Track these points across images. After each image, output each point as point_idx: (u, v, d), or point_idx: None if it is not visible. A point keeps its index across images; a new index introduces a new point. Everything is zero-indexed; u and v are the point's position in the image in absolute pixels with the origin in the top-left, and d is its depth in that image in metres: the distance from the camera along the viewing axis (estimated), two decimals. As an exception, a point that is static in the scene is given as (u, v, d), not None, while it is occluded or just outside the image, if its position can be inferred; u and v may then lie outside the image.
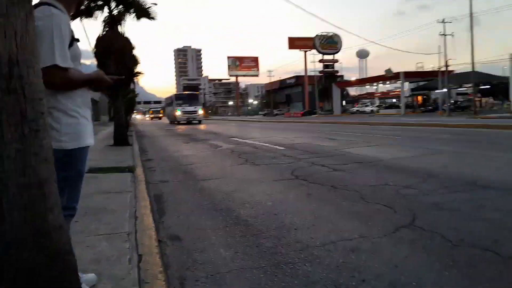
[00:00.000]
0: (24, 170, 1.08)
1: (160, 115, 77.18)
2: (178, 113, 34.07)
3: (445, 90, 35.85)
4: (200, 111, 35.30)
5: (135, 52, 17.64)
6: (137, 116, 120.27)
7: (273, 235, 3.30)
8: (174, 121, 35.75)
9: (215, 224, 3.71)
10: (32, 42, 1.12)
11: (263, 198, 4.63)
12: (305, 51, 71.39)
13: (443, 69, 35.98)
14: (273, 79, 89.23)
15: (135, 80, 28.80)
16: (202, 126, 29.04)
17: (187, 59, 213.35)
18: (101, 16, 12.66)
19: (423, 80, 48.93)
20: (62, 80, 1.79)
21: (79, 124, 1.92)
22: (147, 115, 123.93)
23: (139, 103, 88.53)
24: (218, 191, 5.16)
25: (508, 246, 2.84)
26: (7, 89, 1.05)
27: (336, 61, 69.56)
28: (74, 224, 3.47)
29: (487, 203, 3.99)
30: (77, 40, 1.94)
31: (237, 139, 14.20)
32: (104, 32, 12.56)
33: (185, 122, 34.16)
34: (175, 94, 39.19)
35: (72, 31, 1.89)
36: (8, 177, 1.05)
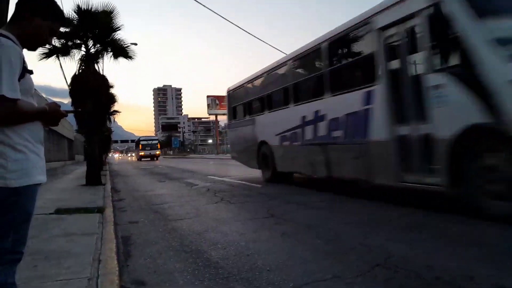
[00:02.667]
0: None
1: (158, 152, 54.16)
2: None
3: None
4: None
5: (112, 90, 17.64)
6: (114, 155, 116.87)
7: (244, 277, 3.15)
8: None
9: (184, 266, 3.52)
10: None
11: (236, 238, 4.48)
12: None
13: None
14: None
15: (112, 118, 28.60)
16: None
17: (167, 98, 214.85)
18: (78, 54, 12.63)
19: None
20: (10, 112, 1.68)
21: (28, 160, 1.79)
22: (130, 154, 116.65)
23: (115, 141, 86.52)
24: (190, 231, 4.98)
25: (485, 284, 2.78)
26: None
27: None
28: (33, 269, 3.27)
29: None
30: (30, 72, 1.86)
31: (214, 177, 14.03)
32: (80, 70, 12.48)
33: None
34: None
35: (24, 62, 1.81)
36: None
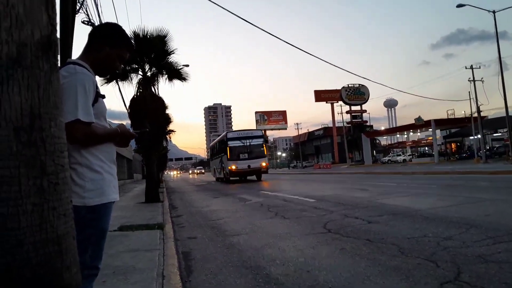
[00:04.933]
0: (41, 225, 1.05)
1: (264, 163, 24.81)
2: None
3: (479, 136, 34.83)
4: None
5: (168, 111, 18.42)
6: (170, 173, 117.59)
7: (306, 293, 3.09)
8: None
9: (245, 283, 3.53)
10: (55, 95, 1.13)
11: (295, 254, 4.43)
12: (332, 103, 72.18)
13: (475, 115, 35.19)
14: (301, 132, 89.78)
15: (168, 138, 29.71)
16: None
17: (217, 116, 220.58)
18: (135, 78, 13.36)
19: (455, 127, 47.94)
20: (85, 135, 1.80)
21: (104, 180, 1.90)
22: (190, 171, 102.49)
23: (171, 160, 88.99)
24: (248, 247, 4.99)
25: None
26: (27, 141, 1.04)
27: (364, 111, 69.68)
28: (102, 284, 3.43)
29: (540, 254, 3.64)
30: (103, 96, 1.99)
31: (267, 192, 14.04)
32: (138, 93, 13.16)
33: None
34: None
35: (97, 88, 1.94)
36: (24, 233, 1.01)
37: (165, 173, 71.77)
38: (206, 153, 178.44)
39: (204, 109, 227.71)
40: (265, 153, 25.42)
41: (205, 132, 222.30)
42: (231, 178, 24.85)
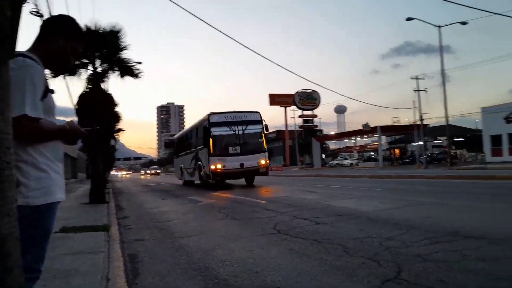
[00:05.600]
0: (-16, 225, 0.98)
1: (263, 161, 17.10)
2: None
3: (421, 143, 36.90)
4: None
5: (117, 109, 17.76)
6: (118, 173, 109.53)
7: (254, 294, 3.11)
8: None
9: (193, 284, 3.49)
10: (4, 88, 1.06)
11: (244, 255, 4.45)
12: (285, 107, 73.32)
13: (418, 123, 37.26)
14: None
15: (116, 136, 28.63)
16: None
17: (169, 115, 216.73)
18: (85, 73, 12.78)
19: (400, 133, 50.42)
20: (32, 131, 1.70)
21: (50, 179, 1.81)
22: (143, 171, 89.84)
23: (118, 159, 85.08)
24: (197, 249, 4.95)
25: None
26: (-28, 136, 0.98)
27: (315, 116, 71.47)
28: (40, 288, 3.24)
29: (471, 253, 3.93)
30: (52, 91, 1.89)
31: (218, 193, 13.99)
32: (87, 90, 12.61)
33: None
34: None
35: (46, 82, 1.84)
36: (-36, 234, 0.95)
37: (112, 173, 68.72)
38: (157, 153, 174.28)
39: (156, 108, 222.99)
40: (265, 146, 17.75)
41: (157, 132, 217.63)
42: (211, 182, 17.15)
